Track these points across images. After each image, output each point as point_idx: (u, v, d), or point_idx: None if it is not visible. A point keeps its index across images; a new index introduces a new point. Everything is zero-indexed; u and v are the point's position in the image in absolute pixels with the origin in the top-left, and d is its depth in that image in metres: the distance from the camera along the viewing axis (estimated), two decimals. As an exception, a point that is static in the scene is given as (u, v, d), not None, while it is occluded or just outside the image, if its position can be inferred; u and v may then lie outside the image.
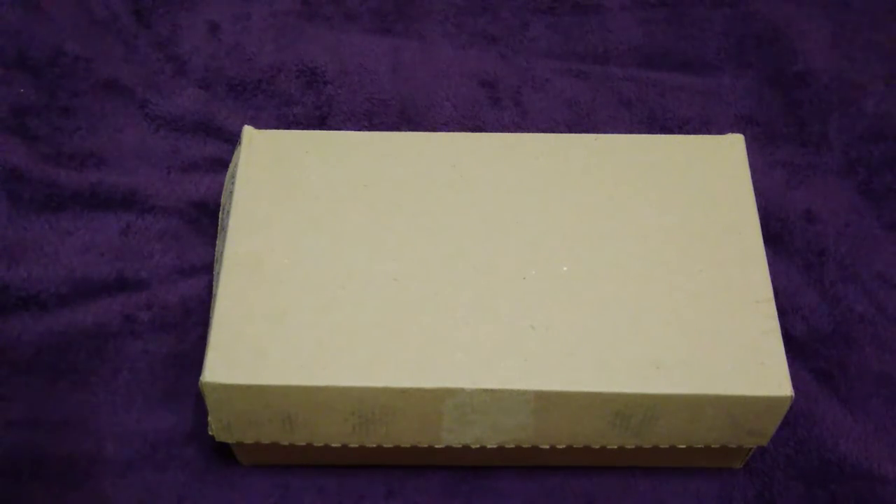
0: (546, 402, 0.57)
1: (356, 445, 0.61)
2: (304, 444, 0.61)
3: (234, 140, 0.80)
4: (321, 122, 0.83)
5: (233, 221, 0.63)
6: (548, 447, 0.61)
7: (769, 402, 0.57)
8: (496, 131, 0.82)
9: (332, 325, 0.58)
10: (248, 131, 0.68)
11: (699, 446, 0.60)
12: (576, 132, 0.81)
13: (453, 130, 0.82)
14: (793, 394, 0.56)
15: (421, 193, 0.64)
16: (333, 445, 0.61)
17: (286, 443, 0.61)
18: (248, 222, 0.63)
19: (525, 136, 0.69)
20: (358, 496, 0.65)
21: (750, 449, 0.63)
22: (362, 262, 0.61)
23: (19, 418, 0.67)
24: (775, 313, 0.59)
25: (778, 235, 0.76)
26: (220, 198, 0.72)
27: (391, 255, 0.61)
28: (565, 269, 0.61)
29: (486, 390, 0.56)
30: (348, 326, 0.58)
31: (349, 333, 0.58)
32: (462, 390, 0.56)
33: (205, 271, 0.73)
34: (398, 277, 0.60)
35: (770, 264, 0.73)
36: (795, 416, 0.67)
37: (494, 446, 0.60)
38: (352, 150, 0.67)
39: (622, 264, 0.61)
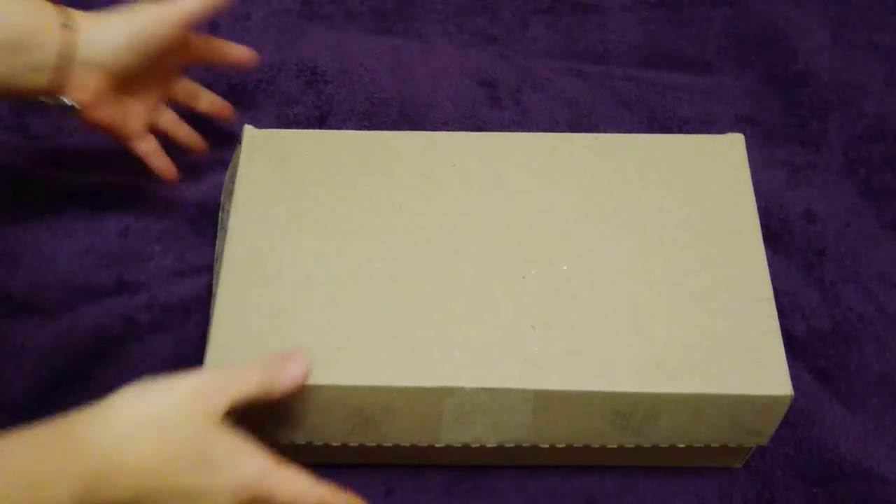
0: (546, 401, 0.57)
1: (356, 444, 0.61)
2: (304, 443, 0.61)
3: (234, 140, 0.80)
4: (321, 121, 0.83)
5: (233, 221, 0.63)
6: (547, 446, 0.61)
7: (769, 402, 0.57)
8: (496, 131, 0.82)
9: (331, 324, 0.58)
10: (249, 131, 0.68)
11: (699, 445, 0.61)
12: (576, 132, 0.81)
13: (453, 130, 0.82)
14: (792, 393, 0.56)
15: (420, 193, 0.64)
16: (333, 444, 0.61)
17: (286, 442, 0.61)
18: (248, 222, 0.63)
19: (524, 135, 0.69)
20: (358, 495, 0.65)
21: (750, 448, 0.63)
22: (362, 261, 0.61)
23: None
24: (775, 313, 0.59)
25: (778, 235, 0.76)
26: (220, 198, 0.72)
27: (391, 255, 0.61)
28: (565, 268, 0.61)
29: (485, 389, 0.56)
30: (348, 326, 0.58)
31: (348, 333, 0.58)
32: (461, 389, 0.56)
33: (205, 272, 0.73)
34: (398, 277, 0.60)
35: (770, 264, 0.73)
36: (796, 416, 0.67)
37: (494, 445, 0.60)
38: (352, 149, 0.67)
39: (622, 263, 0.61)
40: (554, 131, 0.81)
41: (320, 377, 0.57)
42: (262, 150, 0.66)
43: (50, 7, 0.60)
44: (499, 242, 0.62)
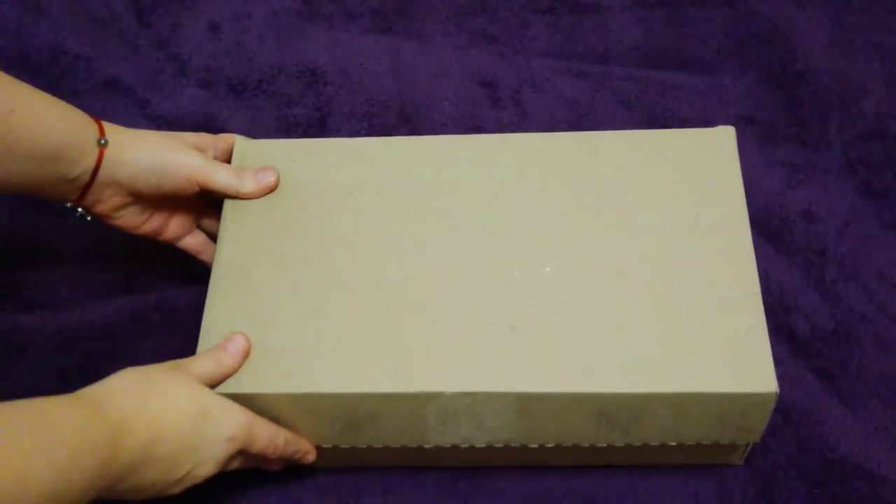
0: (528, 403, 0.57)
1: (347, 447, 0.61)
2: None
3: (233, 140, 0.80)
4: (321, 122, 0.83)
5: (222, 232, 0.64)
6: (537, 446, 0.60)
7: (755, 399, 0.56)
8: (495, 131, 0.82)
9: (314, 332, 0.59)
10: (240, 142, 0.68)
11: (691, 443, 0.60)
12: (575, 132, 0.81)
13: (453, 130, 0.82)
14: (778, 390, 0.55)
15: (406, 198, 0.64)
16: (325, 447, 0.61)
17: None
18: (237, 233, 0.63)
19: (511, 136, 0.68)
20: (356, 493, 0.65)
21: (747, 445, 0.62)
22: (346, 269, 0.61)
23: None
24: (762, 308, 0.58)
25: (778, 235, 0.76)
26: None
27: (375, 262, 0.61)
28: (548, 269, 0.60)
29: (466, 393, 0.56)
30: (331, 334, 0.59)
31: (331, 341, 0.58)
32: (442, 394, 0.56)
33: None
34: (381, 283, 0.60)
35: (770, 264, 0.73)
36: (798, 416, 0.67)
37: (483, 445, 0.60)
38: (340, 156, 0.67)
39: (606, 262, 0.60)
40: (553, 131, 0.81)
41: (303, 385, 0.57)
42: (253, 161, 0.67)
43: (91, 123, 0.60)
44: (482, 245, 0.62)
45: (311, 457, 0.61)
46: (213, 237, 0.70)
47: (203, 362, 0.56)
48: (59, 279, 0.74)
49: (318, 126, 0.83)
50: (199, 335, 0.59)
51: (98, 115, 0.82)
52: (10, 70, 0.85)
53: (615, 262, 0.60)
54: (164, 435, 0.51)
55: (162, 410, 0.51)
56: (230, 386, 0.57)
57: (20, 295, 0.72)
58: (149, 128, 0.83)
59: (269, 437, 0.57)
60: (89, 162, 0.60)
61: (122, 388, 0.51)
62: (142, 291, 0.73)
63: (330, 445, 0.61)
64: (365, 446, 0.61)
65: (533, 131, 0.82)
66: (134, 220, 0.65)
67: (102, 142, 0.60)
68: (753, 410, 0.57)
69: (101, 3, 0.89)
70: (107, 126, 0.61)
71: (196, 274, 0.73)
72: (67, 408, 0.48)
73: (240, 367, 0.57)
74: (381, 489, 0.65)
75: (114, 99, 0.84)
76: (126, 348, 0.71)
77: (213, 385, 0.57)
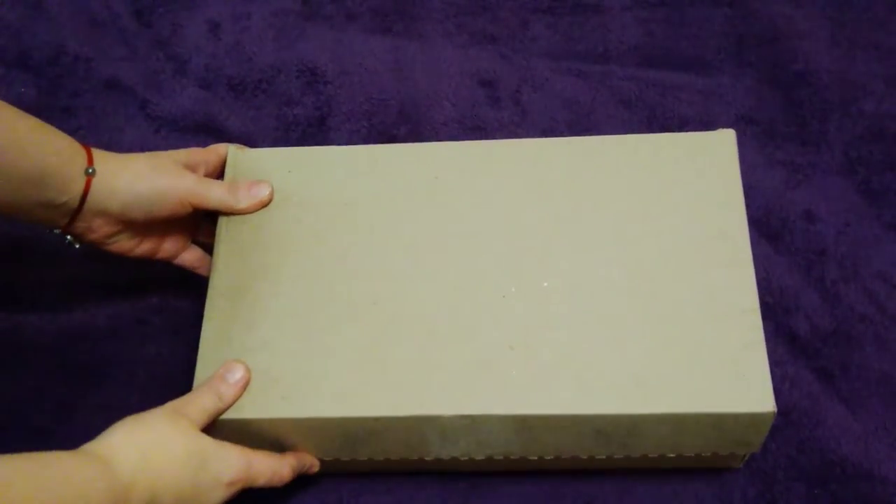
0: (526, 423, 0.57)
1: (348, 459, 0.61)
2: None
3: (234, 140, 0.80)
4: (321, 122, 0.83)
5: (217, 249, 0.63)
6: (536, 458, 0.60)
7: (751, 418, 0.56)
8: (495, 130, 0.82)
9: (311, 353, 0.58)
10: (233, 151, 0.67)
11: (689, 454, 0.60)
12: (575, 132, 0.81)
13: (453, 130, 0.82)
14: (775, 410, 0.55)
15: (402, 209, 0.64)
16: (326, 459, 0.61)
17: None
18: (231, 250, 0.63)
19: (508, 142, 0.67)
20: (357, 493, 0.65)
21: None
22: (342, 285, 0.61)
23: (36, 422, 0.67)
24: (760, 324, 0.58)
25: (778, 235, 0.76)
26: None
27: (371, 277, 0.61)
28: (545, 284, 0.60)
29: (464, 416, 0.56)
30: (328, 354, 0.58)
31: (329, 362, 0.58)
32: (440, 417, 0.56)
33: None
34: (378, 301, 0.60)
35: (770, 264, 0.74)
36: (798, 417, 0.67)
37: (482, 458, 0.60)
38: (334, 165, 0.66)
39: (604, 276, 0.60)
40: (554, 131, 0.81)
41: (301, 410, 0.57)
42: (247, 171, 0.66)
43: (79, 151, 0.60)
44: (479, 259, 0.61)
45: (316, 468, 0.62)
46: (209, 250, 0.69)
47: (202, 401, 0.56)
48: (60, 280, 0.74)
49: (318, 126, 0.83)
50: (199, 340, 0.59)
51: (98, 115, 0.83)
52: (10, 69, 0.86)
53: (613, 275, 0.60)
54: (165, 489, 0.52)
55: (161, 465, 0.52)
56: (229, 412, 0.57)
57: (21, 296, 0.72)
58: (149, 127, 0.83)
59: (273, 472, 0.58)
60: (77, 190, 0.59)
61: (124, 444, 0.51)
62: (143, 294, 0.73)
63: (331, 458, 0.61)
64: (366, 458, 0.61)
65: (533, 131, 0.82)
66: (126, 244, 0.65)
67: (90, 171, 0.59)
68: (751, 427, 0.57)
69: (101, 3, 0.89)
70: (96, 154, 0.60)
71: (197, 277, 0.73)
72: (78, 466, 0.49)
73: (240, 397, 0.57)
74: (383, 489, 0.65)
75: (114, 99, 0.84)
76: (127, 351, 0.71)
77: (215, 419, 0.57)
